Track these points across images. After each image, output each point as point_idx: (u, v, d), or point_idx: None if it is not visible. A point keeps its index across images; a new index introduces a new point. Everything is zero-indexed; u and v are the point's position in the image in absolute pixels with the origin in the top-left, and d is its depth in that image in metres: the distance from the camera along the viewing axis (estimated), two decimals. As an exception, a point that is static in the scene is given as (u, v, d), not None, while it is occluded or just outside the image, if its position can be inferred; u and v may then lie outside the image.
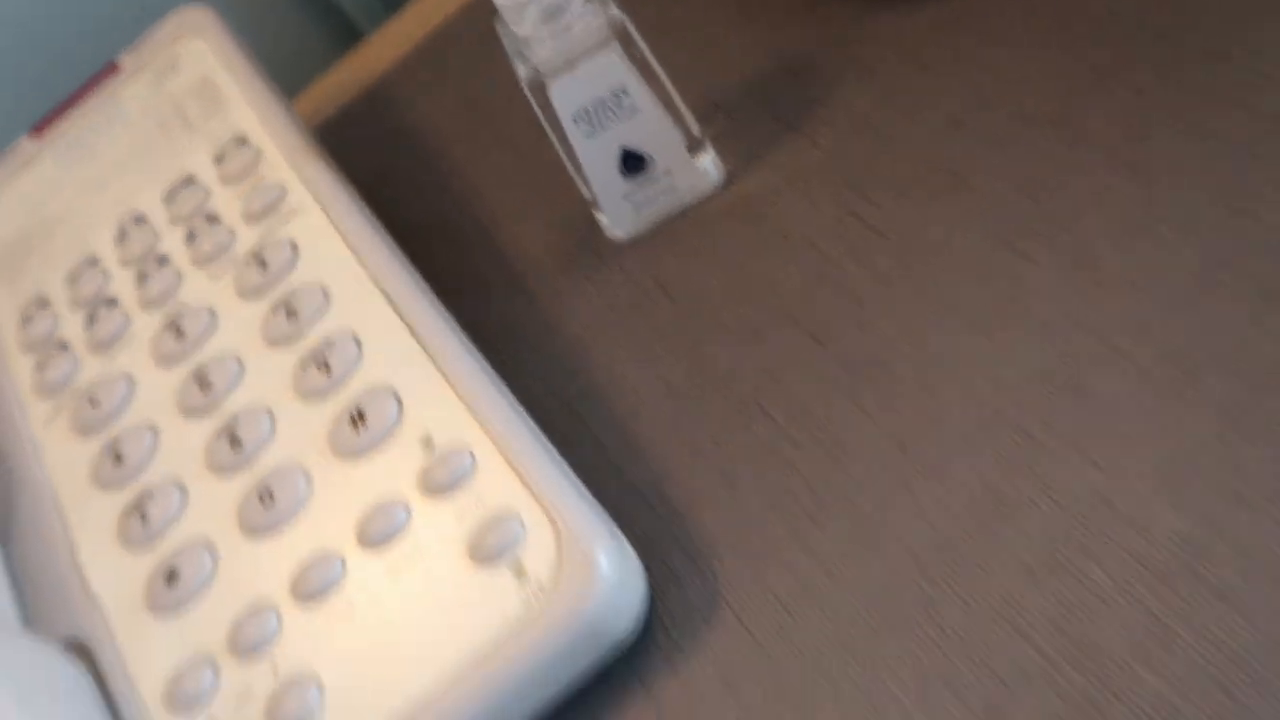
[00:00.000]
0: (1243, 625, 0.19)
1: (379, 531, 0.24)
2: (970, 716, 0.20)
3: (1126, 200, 0.25)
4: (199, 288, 0.29)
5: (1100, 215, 0.25)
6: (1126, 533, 0.21)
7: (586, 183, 0.30)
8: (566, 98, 0.28)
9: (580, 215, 0.32)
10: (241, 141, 0.32)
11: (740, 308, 0.28)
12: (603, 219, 0.31)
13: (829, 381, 0.26)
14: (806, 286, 0.28)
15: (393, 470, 0.24)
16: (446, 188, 0.36)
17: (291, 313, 0.27)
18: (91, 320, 0.30)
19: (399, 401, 0.25)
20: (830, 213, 0.29)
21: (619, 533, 0.23)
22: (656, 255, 0.31)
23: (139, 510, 0.26)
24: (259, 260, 0.29)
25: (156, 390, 0.28)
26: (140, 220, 0.32)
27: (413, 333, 0.26)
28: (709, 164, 0.31)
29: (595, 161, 0.30)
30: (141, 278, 0.31)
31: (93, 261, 0.32)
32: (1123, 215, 0.25)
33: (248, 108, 0.33)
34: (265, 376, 0.27)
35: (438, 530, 0.23)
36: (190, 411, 0.27)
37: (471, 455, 0.23)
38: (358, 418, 0.25)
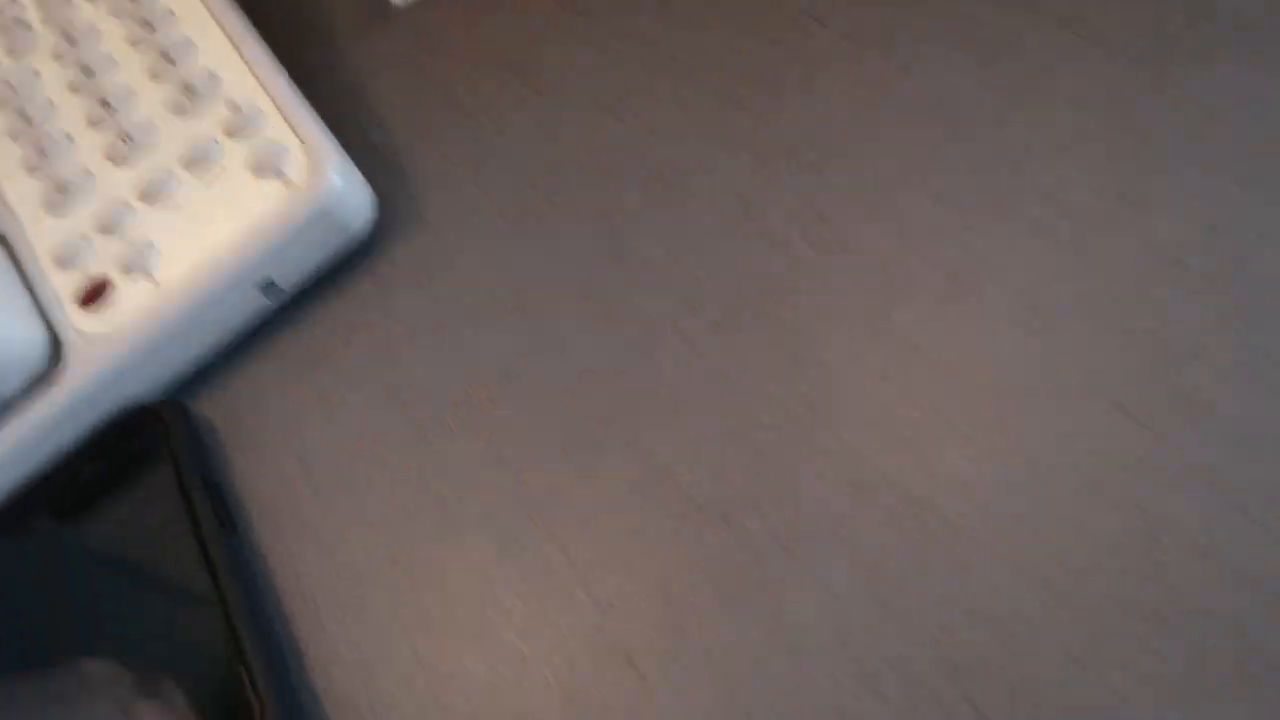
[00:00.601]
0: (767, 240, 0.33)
1: (198, 158, 0.36)
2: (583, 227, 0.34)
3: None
4: (86, 14, 0.41)
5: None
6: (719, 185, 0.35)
7: (372, -39, 0.42)
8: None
9: (374, -10, 0.45)
10: (121, -83, 0.44)
11: (475, 55, 0.41)
12: (388, -9, 0.44)
13: (512, 94, 0.39)
14: (521, 37, 0.41)
15: (210, 123, 0.37)
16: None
17: (148, 25, 0.39)
18: (8, 36, 0.42)
19: (218, 79, 0.37)
20: (541, -11, 0.42)
21: (350, 160, 0.36)
22: (423, 18, 0.43)
23: (39, 149, 0.38)
24: (129, -7, 0.41)
25: (54, 77, 0.40)
26: (46, -30, 0.44)
27: (230, 39, 0.38)
28: (463, -47, 0.43)
29: (374, -58, 0.42)
30: (44, 6, 0.42)
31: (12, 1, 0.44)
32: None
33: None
34: (130, 66, 0.39)
35: (235, 157, 0.36)
36: (77, 89, 0.39)
37: (260, 110, 0.36)
38: (189, 90, 0.37)
